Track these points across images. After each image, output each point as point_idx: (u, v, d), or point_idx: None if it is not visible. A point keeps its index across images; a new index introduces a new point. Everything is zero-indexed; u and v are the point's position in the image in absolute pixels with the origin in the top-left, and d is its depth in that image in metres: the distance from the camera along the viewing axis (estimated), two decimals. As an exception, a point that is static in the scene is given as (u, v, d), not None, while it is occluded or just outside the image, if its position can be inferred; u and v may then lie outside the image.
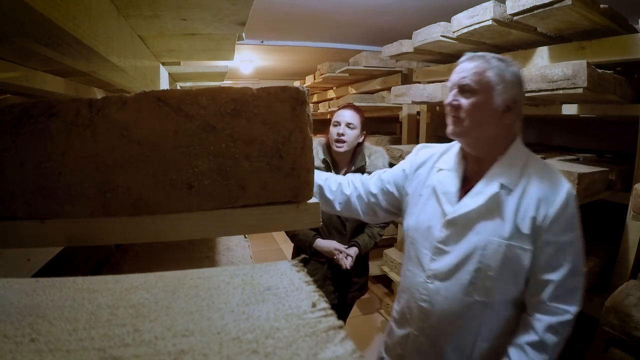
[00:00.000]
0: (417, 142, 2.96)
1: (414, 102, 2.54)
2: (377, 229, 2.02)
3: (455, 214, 1.11)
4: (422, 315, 1.17)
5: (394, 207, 1.37)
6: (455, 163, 1.19)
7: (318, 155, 1.94)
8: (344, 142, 1.89)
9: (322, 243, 1.92)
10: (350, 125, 1.90)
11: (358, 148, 1.97)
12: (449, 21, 2.01)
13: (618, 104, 1.64)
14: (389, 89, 3.15)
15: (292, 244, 2.13)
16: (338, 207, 1.35)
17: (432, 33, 2.12)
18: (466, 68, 1.08)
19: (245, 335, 0.29)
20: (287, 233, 1.99)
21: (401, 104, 2.95)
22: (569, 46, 1.70)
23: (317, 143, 1.99)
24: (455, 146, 1.23)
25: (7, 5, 0.42)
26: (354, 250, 1.92)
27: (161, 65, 1.54)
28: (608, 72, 1.52)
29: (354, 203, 1.36)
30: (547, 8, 1.43)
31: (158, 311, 0.33)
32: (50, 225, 0.54)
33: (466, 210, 1.09)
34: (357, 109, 1.97)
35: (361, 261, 2.05)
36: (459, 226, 1.11)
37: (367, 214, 1.38)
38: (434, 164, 1.25)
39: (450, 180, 1.17)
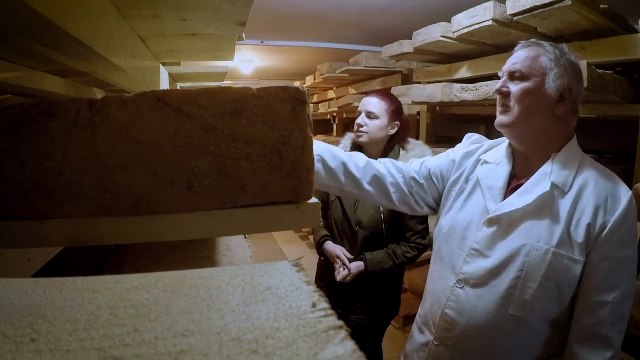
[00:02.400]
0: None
1: (414, 102, 2.54)
2: (405, 248, 1.65)
3: (499, 212, 0.99)
4: (446, 324, 1.04)
5: (438, 202, 1.19)
6: (503, 157, 1.07)
7: (344, 148, 1.74)
8: (363, 132, 1.66)
9: (328, 247, 1.71)
10: (371, 115, 1.65)
11: (391, 142, 1.70)
12: (449, 21, 2.01)
13: (618, 104, 1.65)
14: (389, 89, 3.15)
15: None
16: (367, 187, 1.13)
17: (432, 33, 2.12)
18: (519, 55, 1.00)
19: (245, 335, 0.29)
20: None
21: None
22: (569, 46, 1.69)
23: (348, 137, 1.80)
24: (504, 141, 1.11)
25: (7, 5, 0.42)
26: (355, 265, 1.63)
27: (161, 65, 1.54)
28: (608, 72, 1.52)
29: (388, 187, 1.14)
30: (547, 8, 1.43)
31: (158, 311, 0.33)
32: (50, 225, 0.54)
33: (511, 209, 0.98)
34: (384, 95, 1.71)
35: (372, 282, 1.69)
36: (501, 227, 0.99)
37: (405, 203, 1.18)
38: (479, 156, 1.13)
39: (496, 175, 1.05)
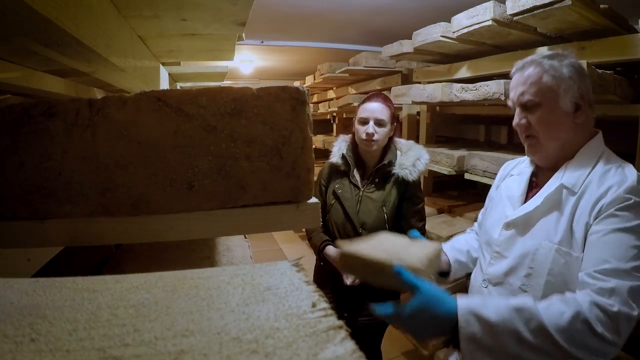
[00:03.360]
0: (417, 142, 2.97)
1: (414, 103, 2.54)
2: None
3: (514, 216, 1.06)
4: None
5: None
6: (525, 167, 1.15)
7: (340, 150, 1.72)
8: (374, 141, 1.62)
9: (331, 251, 1.66)
10: (381, 122, 1.62)
11: (389, 143, 1.70)
12: (449, 21, 2.01)
13: (618, 104, 1.64)
14: (389, 89, 3.15)
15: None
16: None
17: (432, 33, 2.12)
18: (520, 81, 1.01)
19: (245, 335, 0.29)
20: (307, 232, 1.78)
21: (401, 104, 2.95)
22: (569, 46, 1.70)
23: (342, 139, 1.78)
24: None
25: (7, 5, 0.42)
26: None
27: (161, 66, 1.54)
28: (608, 72, 1.52)
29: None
30: (547, 8, 1.43)
31: (158, 311, 0.33)
32: (50, 225, 0.54)
33: (524, 212, 1.04)
34: (386, 100, 1.68)
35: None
36: (517, 229, 1.06)
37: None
38: (510, 172, 1.22)
39: (516, 185, 1.13)
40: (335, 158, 1.73)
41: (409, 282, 0.83)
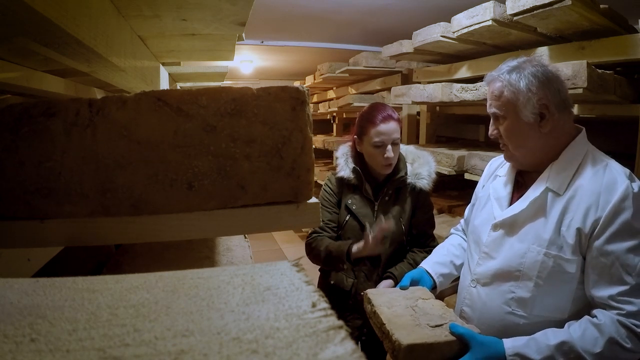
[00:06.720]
0: (417, 142, 2.96)
1: (414, 103, 2.54)
2: (423, 254, 1.54)
3: (502, 217, 1.09)
4: (463, 320, 1.12)
5: None
6: (510, 167, 1.18)
7: (348, 164, 1.60)
8: (392, 164, 1.53)
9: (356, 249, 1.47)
10: (397, 141, 1.50)
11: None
12: (449, 21, 2.01)
13: (618, 104, 1.64)
14: (389, 89, 3.15)
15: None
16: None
17: (432, 33, 2.12)
18: (488, 94, 1.07)
19: (245, 335, 0.29)
20: (314, 259, 1.62)
21: (401, 104, 2.95)
22: (569, 46, 1.70)
23: (345, 150, 1.64)
24: None
25: (7, 5, 0.42)
26: (388, 284, 1.47)
27: (161, 66, 1.54)
28: (608, 72, 1.52)
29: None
30: (547, 8, 1.43)
31: (158, 311, 0.33)
32: (50, 225, 0.54)
33: (511, 214, 1.07)
34: (393, 112, 1.53)
35: None
36: (505, 231, 1.08)
37: None
38: (495, 172, 1.25)
39: (502, 186, 1.16)
40: (345, 172, 1.60)
41: (464, 335, 0.93)
